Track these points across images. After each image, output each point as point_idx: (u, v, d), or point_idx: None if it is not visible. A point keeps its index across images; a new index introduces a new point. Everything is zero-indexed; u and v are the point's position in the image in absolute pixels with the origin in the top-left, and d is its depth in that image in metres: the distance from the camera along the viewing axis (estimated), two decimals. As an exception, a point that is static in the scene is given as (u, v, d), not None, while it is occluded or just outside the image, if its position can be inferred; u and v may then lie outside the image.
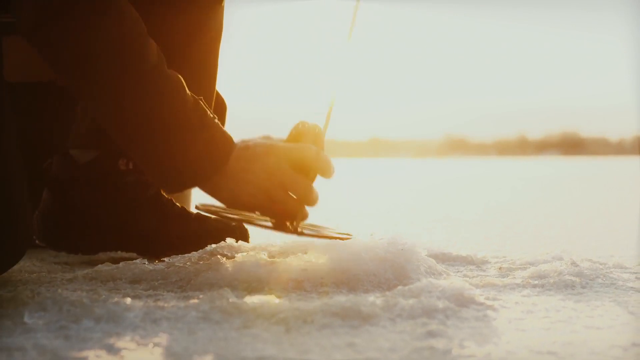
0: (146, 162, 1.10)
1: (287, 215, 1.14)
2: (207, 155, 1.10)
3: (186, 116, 1.09)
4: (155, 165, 1.10)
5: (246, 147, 1.13)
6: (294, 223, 1.14)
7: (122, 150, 1.17)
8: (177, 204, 1.37)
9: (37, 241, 1.33)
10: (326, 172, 1.14)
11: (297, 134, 1.16)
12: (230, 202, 1.14)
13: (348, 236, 1.20)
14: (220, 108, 1.52)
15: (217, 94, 1.51)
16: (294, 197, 1.13)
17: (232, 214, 1.20)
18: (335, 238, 1.17)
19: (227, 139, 1.12)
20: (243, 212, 1.20)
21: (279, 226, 1.13)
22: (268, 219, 1.17)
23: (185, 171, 1.10)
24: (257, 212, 1.16)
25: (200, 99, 1.12)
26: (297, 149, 1.13)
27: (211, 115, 1.12)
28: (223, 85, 1.47)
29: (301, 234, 1.13)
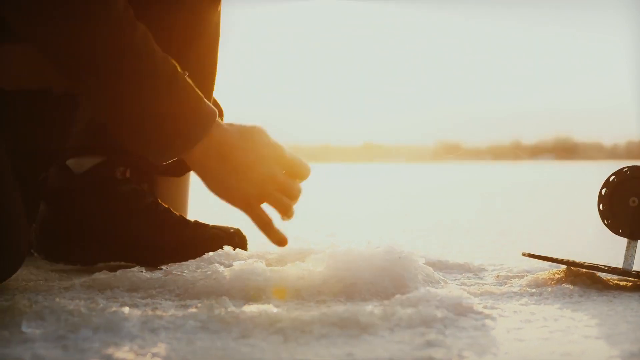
0: (119, 119, 1.07)
1: (283, 210, 1.15)
2: (187, 114, 1.08)
3: (155, 66, 1.06)
4: (129, 121, 1.07)
5: (234, 125, 1.14)
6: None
7: (95, 107, 1.12)
8: (175, 212, 1.37)
9: (35, 254, 1.32)
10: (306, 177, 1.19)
11: None
12: (218, 183, 1.13)
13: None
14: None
15: (214, 99, 1.51)
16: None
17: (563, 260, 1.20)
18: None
19: (208, 106, 1.11)
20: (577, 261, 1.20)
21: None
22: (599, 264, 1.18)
23: (162, 130, 1.07)
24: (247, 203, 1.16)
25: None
26: (287, 149, 1.16)
27: (186, 77, 1.10)
28: (221, 88, 1.47)
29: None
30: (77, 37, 1.04)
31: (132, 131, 1.09)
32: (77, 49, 1.04)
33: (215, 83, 1.40)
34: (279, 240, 1.19)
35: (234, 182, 1.14)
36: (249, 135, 1.15)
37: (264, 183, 1.15)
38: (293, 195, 1.19)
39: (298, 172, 1.19)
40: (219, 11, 1.35)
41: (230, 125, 1.14)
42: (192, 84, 1.11)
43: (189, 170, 1.46)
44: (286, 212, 1.19)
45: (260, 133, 1.16)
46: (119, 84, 1.05)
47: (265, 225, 1.18)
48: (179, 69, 1.10)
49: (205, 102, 1.11)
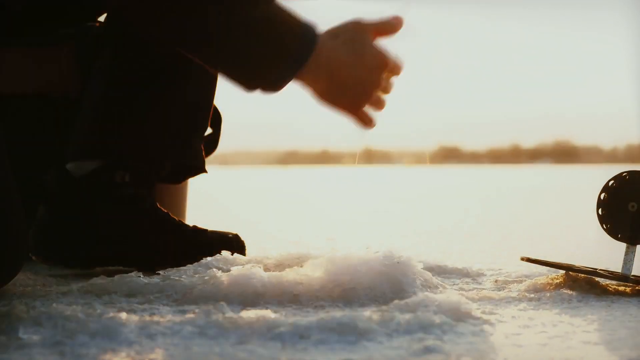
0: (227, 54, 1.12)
1: (381, 108, 1.19)
2: (288, 34, 1.11)
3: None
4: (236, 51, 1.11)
5: (337, 34, 1.16)
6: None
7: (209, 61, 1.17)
8: (174, 217, 1.36)
9: (33, 257, 1.32)
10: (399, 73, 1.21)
11: None
12: (327, 97, 1.16)
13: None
14: (215, 120, 1.52)
15: (213, 106, 1.51)
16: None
17: (562, 265, 1.20)
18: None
19: (307, 22, 1.14)
20: (575, 265, 1.21)
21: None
22: (607, 271, 1.19)
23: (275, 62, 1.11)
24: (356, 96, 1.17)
25: None
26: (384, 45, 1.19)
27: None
28: (222, 91, 1.47)
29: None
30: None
31: (242, 66, 1.13)
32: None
33: (216, 88, 1.40)
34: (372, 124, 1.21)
35: (342, 95, 1.17)
36: (353, 45, 1.16)
37: (370, 93, 1.18)
38: (388, 92, 1.22)
39: (394, 69, 1.21)
40: None
41: (333, 36, 1.15)
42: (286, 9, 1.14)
43: (187, 178, 1.46)
44: (382, 108, 1.22)
45: (362, 36, 1.17)
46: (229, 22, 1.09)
47: (368, 124, 1.21)
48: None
49: (303, 19, 1.14)
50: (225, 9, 1.09)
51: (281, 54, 1.11)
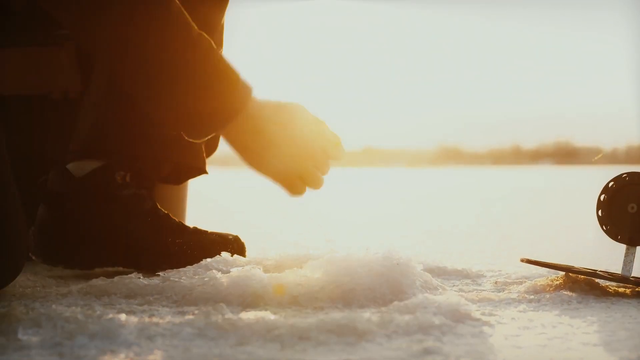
0: (159, 96, 1.08)
1: (316, 185, 1.15)
2: (224, 90, 1.08)
3: (192, 42, 1.07)
4: (169, 97, 1.08)
5: (271, 101, 1.14)
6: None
7: (134, 92, 1.12)
8: (174, 217, 1.36)
9: (32, 257, 1.32)
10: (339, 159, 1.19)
11: None
12: (253, 157, 1.13)
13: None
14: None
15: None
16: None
17: (563, 266, 1.19)
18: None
19: (244, 82, 1.11)
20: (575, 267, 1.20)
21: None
22: (606, 272, 1.18)
23: (205, 109, 1.08)
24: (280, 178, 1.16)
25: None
26: (330, 128, 1.17)
27: (222, 54, 1.10)
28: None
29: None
30: (125, 20, 1.05)
31: (171, 108, 1.10)
32: (125, 30, 1.05)
33: None
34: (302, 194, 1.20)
35: (270, 157, 1.15)
36: (286, 110, 1.15)
37: (302, 159, 1.16)
38: (324, 171, 1.19)
39: (333, 153, 1.20)
40: (224, 19, 1.35)
41: (267, 101, 1.15)
42: (227, 60, 1.11)
43: (188, 179, 1.46)
44: (318, 187, 1.20)
45: (299, 109, 1.17)
46: (159, 61, 1.06)
47: (298, 195, 1.19)
48: (214, 46, 1.10)
49: (241, 78, 1.12)
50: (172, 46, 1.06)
51: (218, 106, 1.09)
